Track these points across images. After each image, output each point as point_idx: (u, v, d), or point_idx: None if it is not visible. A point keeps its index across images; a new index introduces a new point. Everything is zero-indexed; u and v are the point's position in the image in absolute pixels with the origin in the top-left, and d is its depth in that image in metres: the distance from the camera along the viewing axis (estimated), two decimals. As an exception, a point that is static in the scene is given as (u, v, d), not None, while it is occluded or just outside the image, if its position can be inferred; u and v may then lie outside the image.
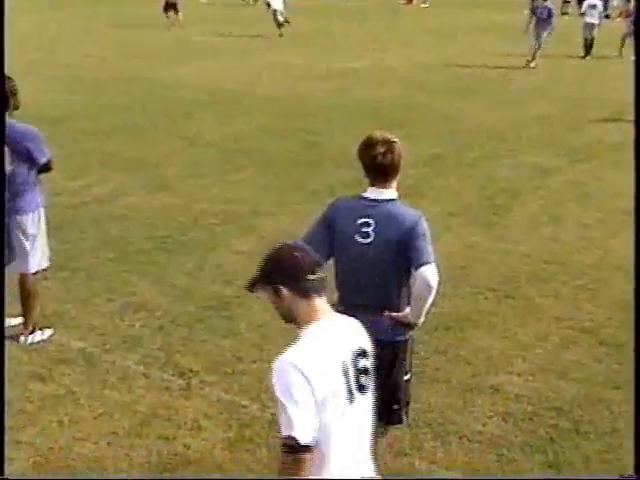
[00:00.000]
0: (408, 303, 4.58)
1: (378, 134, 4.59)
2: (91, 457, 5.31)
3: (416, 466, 5.37)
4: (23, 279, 6.80)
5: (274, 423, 5.70)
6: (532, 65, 23.19)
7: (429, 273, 4.34)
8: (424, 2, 43.79)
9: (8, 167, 6.44)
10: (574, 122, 16.22)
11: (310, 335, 3.36)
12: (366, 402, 3.46)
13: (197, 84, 18.89)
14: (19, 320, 6.95)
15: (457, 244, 9.25)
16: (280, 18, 29.22)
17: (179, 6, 30.28)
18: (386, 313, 4.53)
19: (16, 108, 6.52)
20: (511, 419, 5.93)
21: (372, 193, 4.58)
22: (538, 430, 5.82)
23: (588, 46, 25.70)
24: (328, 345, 3.35)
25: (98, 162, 12.19)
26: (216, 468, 5.26)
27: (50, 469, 5.20)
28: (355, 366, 3.38)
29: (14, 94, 6.47)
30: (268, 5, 29.64)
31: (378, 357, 4.63)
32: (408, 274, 4.55)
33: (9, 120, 6.43)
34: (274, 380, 3.22)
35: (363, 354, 3.45)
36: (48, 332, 6.92)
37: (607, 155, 13.45)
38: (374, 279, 4.54)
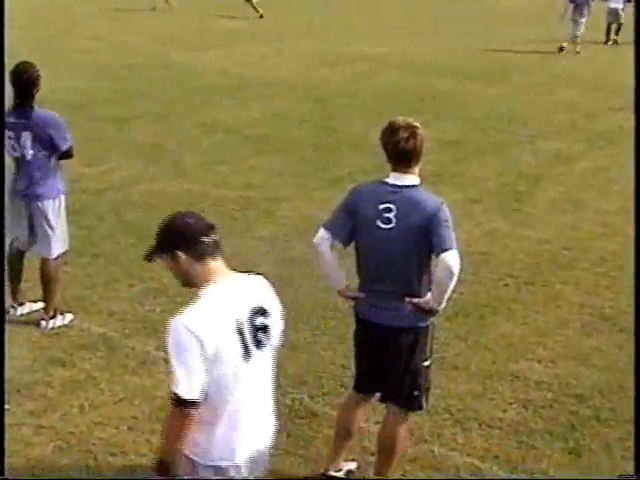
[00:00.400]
0: (429, 289, 4.57)
1: (401, 119, 4.57)
2: (112, 442, 5.33)
3: (436, 452, 5.37)
4: (44, 264, 6.83)
5: (294, 409, 5.74)
6: (564, 45, 23.07)
7: (451, 259, 4.33)
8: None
9: (30, 152, 6.48)
10: (596, 108, 16.13)
11: (205, 296, 3.53)
12: (264, 358, 3.63)
13: (215, 70, 18.84)
14: (40, 305, 6.99)
15: (477, 230, 9.22)
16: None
17: None
18: (407, 299, 4.52)
19: (37, 92, 6.55)
20: (531, 406, 5.91)
21: (394, 179, 4.56)
22: (559, 417, 5.80)
23: (615, 31, 25.52)
24: (222, 304, 3.51)
25: (116, 148, 12.20)
26: (236, 453, 5.26)
27: (71, 453, 5.22)
28: (252, 323, 3.54)
29: (38, 80, 6.50)
30: None
31: (399, 343, 4.66)
32: (429, 260, 4.55)
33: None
34: (168, 339, 3.40)
35: (261, 311, 3.60)
36: (69, 317, 6.94)
37: (628, 142, 13.32)
38: (395, 265, 4.52)
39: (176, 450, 3.47)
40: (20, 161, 6.58)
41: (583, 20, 23.31)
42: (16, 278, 7.00)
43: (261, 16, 29.10)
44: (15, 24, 23.21)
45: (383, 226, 4.48)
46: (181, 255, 3.53)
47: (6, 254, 6.89)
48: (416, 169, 4.57)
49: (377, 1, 36.57)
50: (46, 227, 6.69)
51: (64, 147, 6.58)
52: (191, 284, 3.60)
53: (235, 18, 28.76)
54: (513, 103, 16.28)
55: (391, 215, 4.47)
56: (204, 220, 3.63)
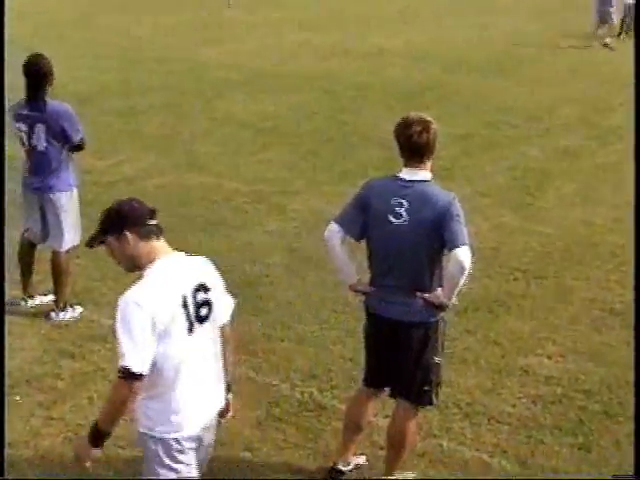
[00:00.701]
0: (439, 285, 4.57)
1: (414, 114, 4.60)
2: (120, 434, 5.32)
3: (444, 447, 5.37)
4: (56, 257, 6.85)
5: (304, 402, 5.75)
6: (607, 41, 22.98)
7: (463, 255, 4.33)
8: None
9: (43, 144, 6.50)
10: (606, 103, 16.05)
11: (151, 273, 3.69)
12: (206, 331, 3.79)
13: (227, 63, 18.83)
14: (50, 298, 7.01)
15: (487, 225, 9.21)
16: None
17: None
18: (418, 294, 4.52)
19: (50, 85, 6.57)
20: (540, 401, 5.91)
21: (406, 173, 4.57)
22: (568, 412, 5.79)
23: (627, 27, 25.36)
24: (167, 280, 3.68)
25: (128, 141, 12.24)
26: (245, 447, 5.28)
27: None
28: (194, 299, 3.71)
29: (50, 72, 6.52)
30: None
31: (410, 338, 4.66)
32: (440, 255, 4.55)
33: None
34: (117, 316, 3.54)
35: (203, 288, 3.77)
36: (78, 309, 6.96)
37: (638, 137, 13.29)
38: (407, 260, 4.53)
39: (115, 421, 3.63)
40: (32, 154, 6.61)
41: (612, 9, 23.22)
42: (27, 270, 7.03)
43: None
44: (22, 16, 23.31)
45: (395, 221, 4.49)
46: (129, 235, 3.68)
47: (17, 246, 6.94)
48: (428, 164, 4.59)
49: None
50: (58, 219, 6.72)
51: (76, 139, 6.61)
52: (135, 266, 3.75)
53: (240, 10, 28.76)
54: (522, 96, 16.21)
55: (403, 210, 4.48)
56: (147, 205, 3.84)
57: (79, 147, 6.73)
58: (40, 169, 6.60)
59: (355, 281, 4.80)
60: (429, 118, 4.57)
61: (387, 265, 4.60)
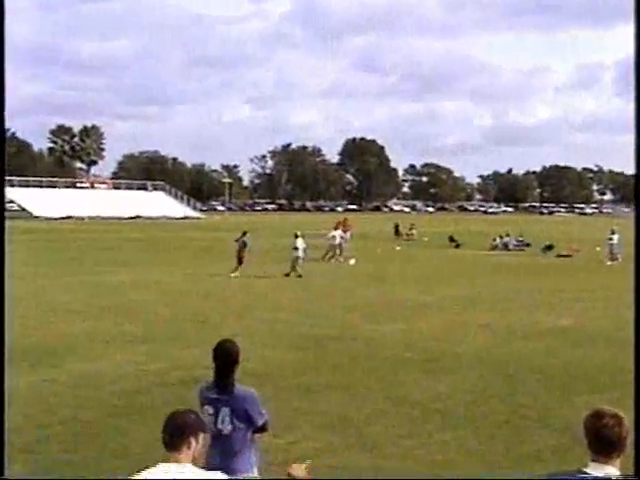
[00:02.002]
0: None
1: (607, 408, 4.56)
2: None
3: None
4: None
5: None
6: None
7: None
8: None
9: (228, 427, 6.73)
10: None
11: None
12: None
13: (401, 342, 19.11)
14: None
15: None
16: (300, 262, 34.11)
17: (244, 259, 34.01)
18: None
19: (236, 368, 6.89)
20: None
21: (592, 469, 4.46)
22: None
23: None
24: None
25: (303, 419, 12.37)
26: None
27: None
28: None
29: (238, 357, 6.89)
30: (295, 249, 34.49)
31: None
32: None
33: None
34: None
35: None
36: None
37: None
38: None
39: None
40: (216, 435, 6.82)
41: None
42: None
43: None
44: (211, 296, 24.66)
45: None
46: None
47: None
48: (617, 461, 4.47)
49: (564, 273, 36.73)
50: (237, 501, 6.80)
51: (260, 422, 6.84)
52: None
53: (411, 289, 29.50)
54: None
55: None
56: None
57: (262, 429, 6.93)
58: (223, 451, 6.78)
59: None
60: (622, 414, 4.51)
61: None
